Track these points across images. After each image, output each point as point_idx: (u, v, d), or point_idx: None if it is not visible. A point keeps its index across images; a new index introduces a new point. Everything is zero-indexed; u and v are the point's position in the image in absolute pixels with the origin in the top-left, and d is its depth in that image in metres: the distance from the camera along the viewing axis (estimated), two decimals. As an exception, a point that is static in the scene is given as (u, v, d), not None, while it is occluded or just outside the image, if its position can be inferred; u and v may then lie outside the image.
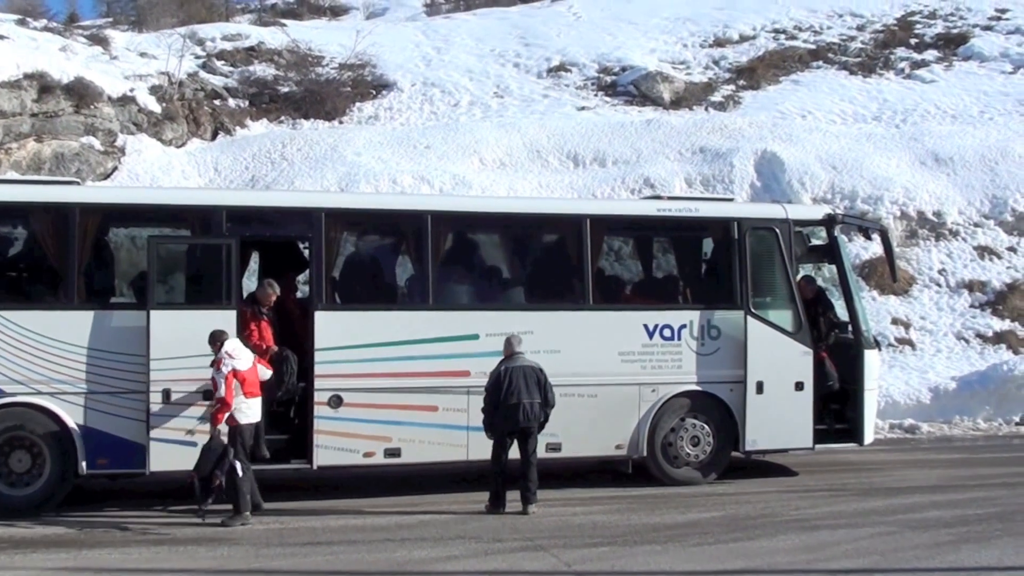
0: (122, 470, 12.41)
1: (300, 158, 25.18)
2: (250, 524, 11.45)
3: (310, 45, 34.36)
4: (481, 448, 12.54)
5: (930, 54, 34.81)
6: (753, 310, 13.86)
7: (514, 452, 12.24)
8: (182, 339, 11.88)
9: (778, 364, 13.82)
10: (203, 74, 30.29)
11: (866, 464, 15.39)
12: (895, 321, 22.59)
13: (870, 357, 14.48)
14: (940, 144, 26.93)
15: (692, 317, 13.74)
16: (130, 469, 12.32)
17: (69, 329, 11.97)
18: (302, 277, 14.38)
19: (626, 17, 38.43)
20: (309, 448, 12.60)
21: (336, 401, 12.60)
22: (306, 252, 13.55)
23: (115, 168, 24.66)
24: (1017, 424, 19.12)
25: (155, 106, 26.75)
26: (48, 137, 24.12)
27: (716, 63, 34.53)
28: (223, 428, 11.46)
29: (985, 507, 12.49)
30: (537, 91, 32.01)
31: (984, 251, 24.43)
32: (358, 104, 30.81)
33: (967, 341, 22.29)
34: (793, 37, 36.34)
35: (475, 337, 13.01)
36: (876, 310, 22.19)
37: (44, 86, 24.43)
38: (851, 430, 14.37)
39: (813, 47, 35.48)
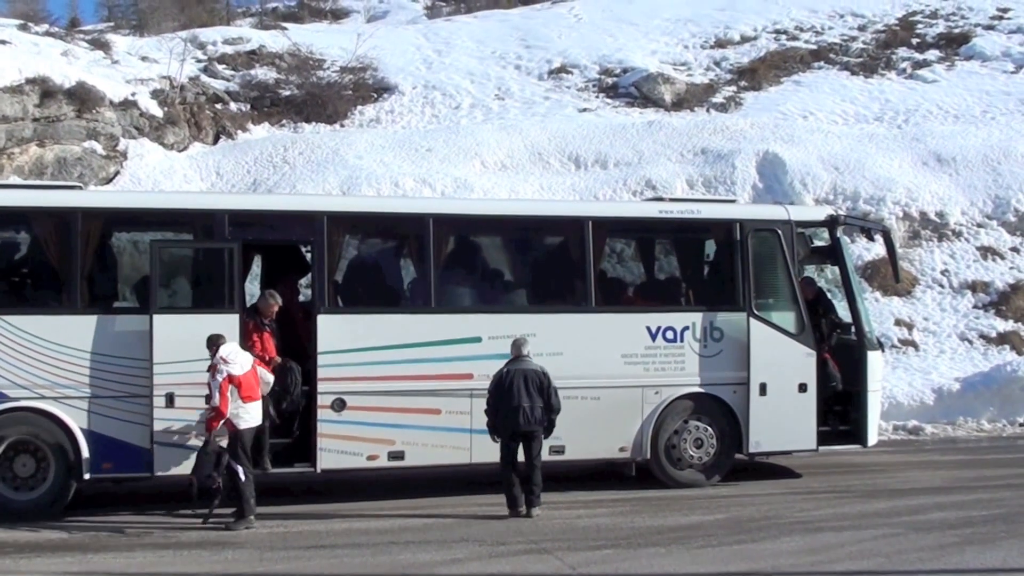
0: (126, 474, 12.41)
1: (302, 162, 25.17)
2: (254, 528, 11.46)
3: (311, 48, 34.37)
4: (484, 451, 12.55)
5: (932, 54, 34.79)
6: (756, 312, 13.85)
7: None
8: (185, 343, 11.87)
9: (781, 366, 13.81)
10: (204, 78, 30.31)
11: (870, 466, 15.37)
12: (898, 322, 22.57)
13: (873, 358, 14.45)
14: (942, 144, 26.90)
15: (695, 319, 13.74)
16: (134, 473, 12.33)
17: (72, 334, 11.97)
18: (304, 281, 14.37)
19: (627, 18, 38.42)
20: (313, 451, 12.60)
21: (339, 404, 12.60)
22: (308, 256, 13.55)
23: (117, 172, 24.66)
24: (1021, 425, 19.06)
25: (157, 110, 26.77)
26: (50, 142, 24.13)
27: (717, 64, 34.51)
28: (219, 432, 11.46)
29: (990, 508, 12.47)
30: (538, 93, 32.01)
31: (987, 252, 24.40)
32: (359, 107, 30.81)
33: (970, 342, 22.27)
34: (794, 38, 36.33)
35: (478, 340, 13.01)
36: (879, 311, 22.17)
37: (46, 91, 24.43)
38: (855, 432, 14.36)
39: (814, 47, 35.45)
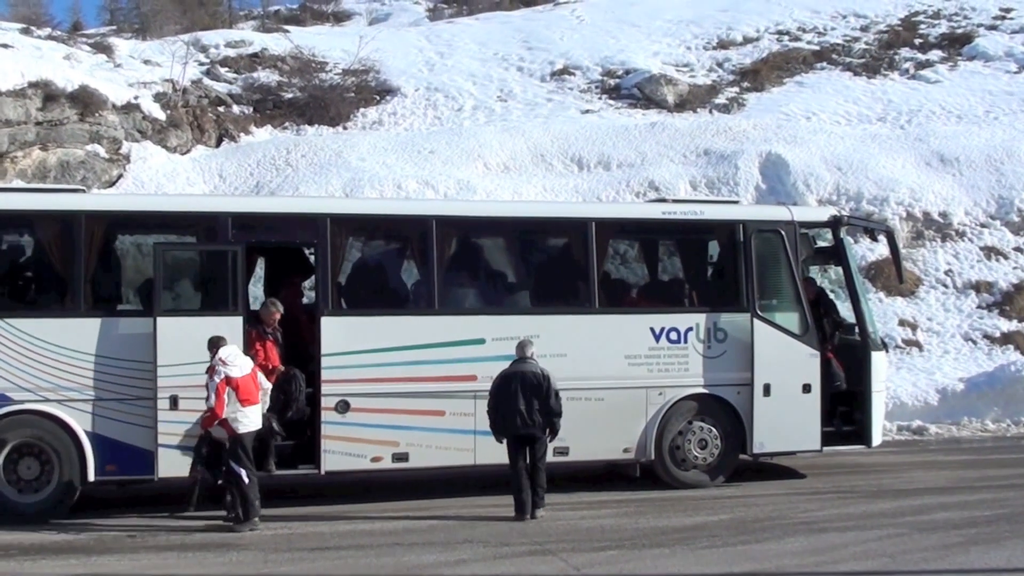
0: (130, 476, 12.41)
1: (304, 164, 25.19)
2: (259, 530, 11.46)
3: (313, 51, 34.41)
4: (488, 452, 12.56)
5: (934, 54, 34.78)
6: (759, 312, 13.84)
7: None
8: (189, 345, 11.85)
9: (785, 366, 13.80)
10: (207, 81, 30.34)
11: (874, 466, 15.36)
12: (902, 323, 22.56)
13: (877, 359, 14.45)
14: (945, 144, 26.89)
15: (698, 320, 13.73)
16: (138, 475, 12.34)
17: (76, 336, 11.98)
18: (308, 283, 14.38)
19: (629, 20, 38.44)
20: (317, 453, 12.61)
21: (343, 406, 12.60)
22: (311, 258, 13.55)
23: (120, 176, 24.69)
24: (1025, 425, 19.07)
25: (159, 113, 26.80)
26: (53, 145, 24.17)
27: (720, 65, 34.51)
28: (217, 431, 11.47)
29: (994, 508, 12.46)
30: (541, 95, 32.01)
31: (991, 251, 24.39)
32: (362, 110, 30.83)
33: (974, 342, 22.25)
34: (797, 38, 36.33)
35: (481, 341, 13.01)
36: (883, 311, 22.17)
37: (49, 94, 24.47)
38: (859, 432, 14.35)
39: (817, 48, 35.45)
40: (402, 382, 12.74)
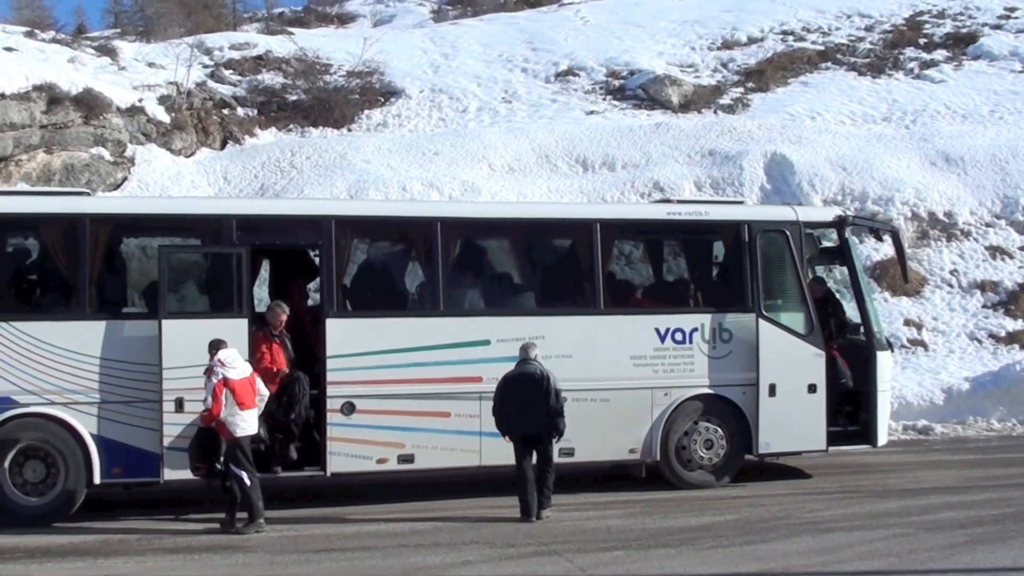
0: (136, 479, 12.43)
1: (309, 166, 25.23)
2: (264, 531, 11.47)
3: (318, 53, 34.41)
4: (494, 453, 12.58)
5: (939, 54, 34.73)
6: (765, 313, 13.84)
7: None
8: (194, 348, 11.84)
9: (790, 366, 13.79)
10: (211, 83, 30.37)
11: (880, 466, 15.35)
12: (907, 322, 22.53)
13: (882, 359, 14.44)
14: (950, 144, 26.88)
15: (704, 320, 13.73)
16: (144, 478, 12.35)
17: (82, 339, 12.00)
18: (313, 285, 14.39)
19: (633, 20, 38.41)
20: (323, 455, 12.62)
21: (349, 408, 12.61)
22: (316, 260, 13.56)
23: (125, 178, 24.74)
24: (1031, 424, 19.05)
25: (164, 116, 26.84)
26: (58, 148, 24.20)
27: (724, 66, 34.48)
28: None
29: (1000, 508, 12.45)
30: (545, 96, 32.01)
31: (996, 251, 24.37)
32: (366, 111, 30.84)
33: (980, 341, 22.23)
34: (801, 39, 36.29)
35: (486, 343, 13.01)
36: (888, 311, 22.14)
37: (53, 97, 24.49)
38: (864, 432, 14.34)
39: (821, 48, 35.41)
40: (407, 383, 12.74)
